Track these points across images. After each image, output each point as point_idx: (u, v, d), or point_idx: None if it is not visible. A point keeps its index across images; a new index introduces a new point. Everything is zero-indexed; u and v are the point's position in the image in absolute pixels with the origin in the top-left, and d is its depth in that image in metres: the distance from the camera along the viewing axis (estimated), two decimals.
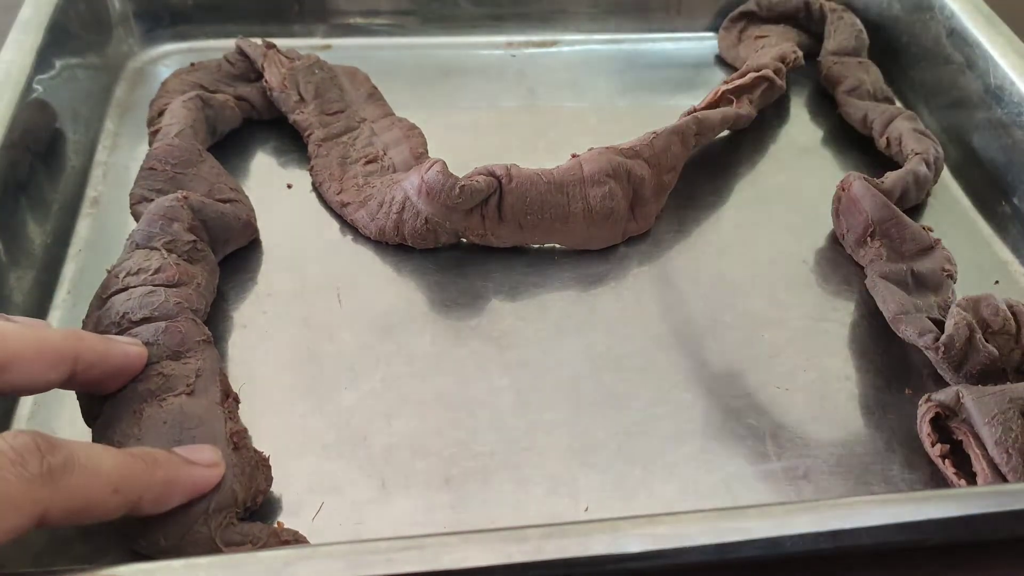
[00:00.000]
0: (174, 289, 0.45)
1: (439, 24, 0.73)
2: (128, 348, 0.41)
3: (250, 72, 0.63)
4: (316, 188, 0.58)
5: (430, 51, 0.72)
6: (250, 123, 0.63)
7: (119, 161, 0.60)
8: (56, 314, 0.50)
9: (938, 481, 0.45)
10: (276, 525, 0.41)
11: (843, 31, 0.69)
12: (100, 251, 0.54)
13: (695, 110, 0.60)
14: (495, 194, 0.53)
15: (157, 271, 0.45)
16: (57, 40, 0.59)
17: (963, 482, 0.43)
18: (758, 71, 0.63)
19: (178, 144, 0.53)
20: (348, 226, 0.56)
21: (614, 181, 0.54)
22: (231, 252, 0.54)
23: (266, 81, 0.61)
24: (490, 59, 0.72)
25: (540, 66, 0.72)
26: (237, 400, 0.44)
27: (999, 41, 0.61)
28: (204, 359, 0.43)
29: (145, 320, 0.43)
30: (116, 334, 0.42)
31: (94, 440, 0.41)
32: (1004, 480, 0.42)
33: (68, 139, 0.58)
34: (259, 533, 0.39)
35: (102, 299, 0.44)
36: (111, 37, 0.66)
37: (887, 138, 0.61)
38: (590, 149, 0.55)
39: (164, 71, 0.66)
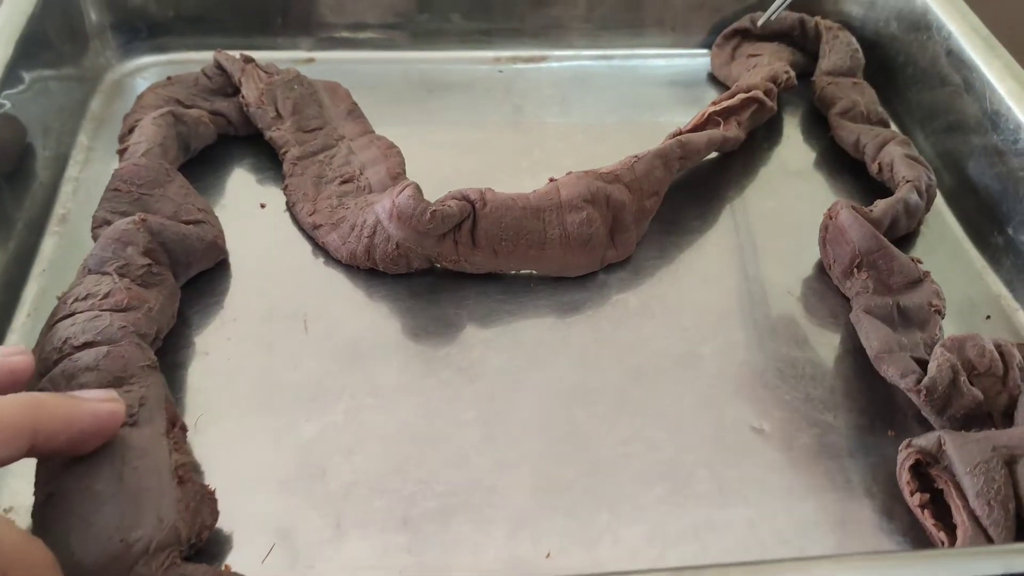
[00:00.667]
0: (121, 313, 0.43)
1: (427, 38, 0.72)
2: (98, 408, 0.37)
3: (228, 86, 0.62)
4: (290, 208, 0.57)
5: (416, 65, 0.71)
6: (227, 139, 0.61)
7: (91, 177, 0.58)
8: (13, 337, 0.49)
9: (918, 531, 0.43)
10: (223, 567, 0.40)
11: (838, 50, 0.67)
12: (65, 272, 0.52)
13: (680, 132, 0.59)
14: (469, 219, 0.51)
15: (106, 296, 0.44)
16: (28, 53, 0.57)
17: (943, 535, 0.41)
18: (747, 92, 0.61)
19: (144, 164, 0.51)
20: (321, 248, 0.55)
21: (592, 207, 0.52)
22: (198, 274, 0.52)
23: (243, 96, 0.60)
24: (476, 74, 0.70)
25: (527, 82, 0.70)
26: (184, 429, 0.43)
27: (996, 65, 0.59)
28: (148, 386, 0.41)
29: (87, 345, 0.41)
30: (57, 360, 0.41)
31: (37, 471, 0.39)
32: (985, 534, 0.40)
33: (37, 154, 0.57)
34: (204, 575, 0.38)
35: (49, 326, 0.43)
36: (87, 49, 0.65)
37: (879, 163, 0.59)
38: (568, 173, 0.54)
39: (143, 84, 0.65)
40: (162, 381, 0.43)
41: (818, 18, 0.70)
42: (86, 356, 0.41)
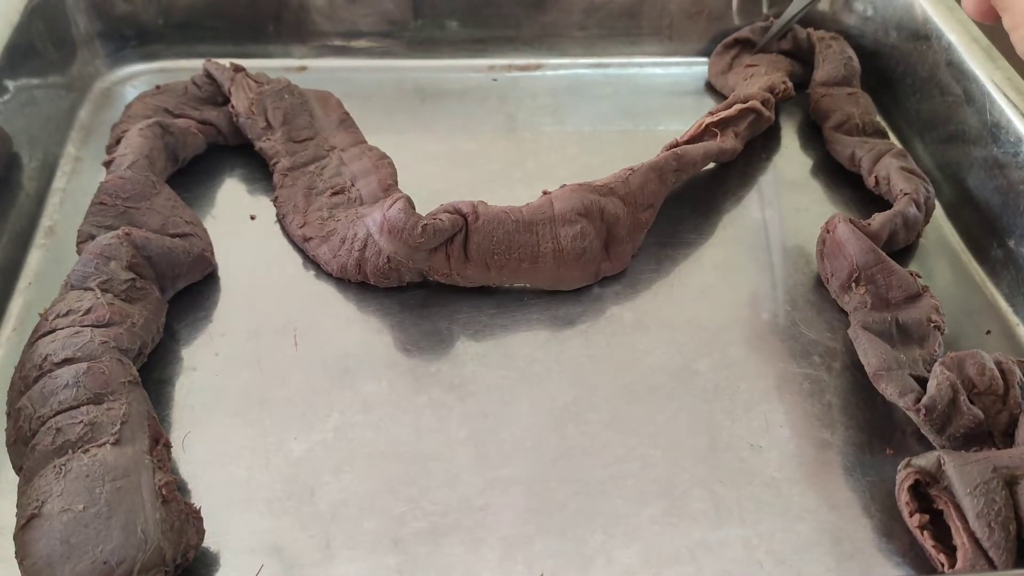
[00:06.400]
0: (102, 329, 0.42)
1: (422, 46, 0.71)
2: None
3: (217, 96, 0.61)
4: (280, 220, 0.56)
5: (410, 74, 0.70)
6: (217, 149, 0.61)
7: (78, 188, 0.58)
8: None
9: (917, 551, 0.42)
10: None
11: (831, 60, 0.66)
12: (51, 285, 0.50)
13: (676, 144, 0.58)
14: (461, 232, 0.50)
15: (87, 312, 0.43)
16: (14, 62, 0.57)
17: (943, 556, 0.40)
18: (744, 103, 0.60)
19: (130, 176, 0.50)
20: (311, 261, 0.54)
21: (586, 220, 0.52)
22: (187, 287, 0.51)
23: (232, 106, 0.59)
24: (471, 83, 0.69)
25: (522, 91, 0.69)
26: (168, 446, 0.42)
27: (997, 76, 0.58)
28: (130, 402, 0.41)
29: (67, 361, 0.41)
30: (37, 378, 0.41)
31: (19, 492, 0.39)
32: (986, 556, 0.39)
33: (23, 164, 0.56)
34: None
35: (31, 343, 0.42)
36: (75, 57, 0.64)
37: (875, 177, 0.58)
38: (562, 186, 0.53)
39: (132, 92, 0.64)
40: (145, 397, 0.42)
41: (810, 30, 0.69)
42: (65, 373, 0.40)
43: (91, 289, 0.44)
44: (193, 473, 0.44)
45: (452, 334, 0.51)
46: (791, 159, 0.64)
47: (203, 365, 0.48)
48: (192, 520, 0.40)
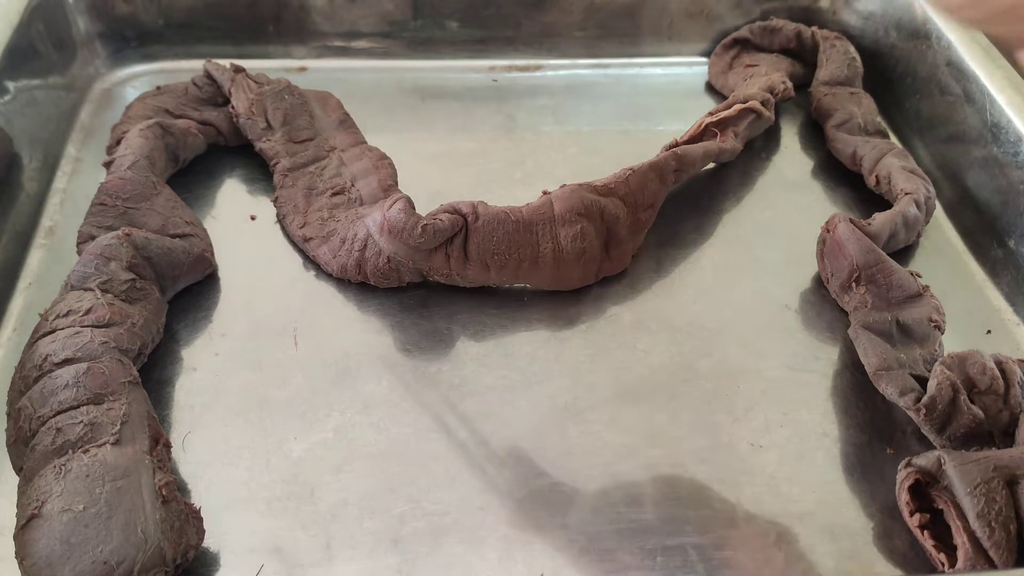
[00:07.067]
0: (102, 329, 0.43)
1: (422, 47, 0.71)
2: None
3: (218, 96, 0.61)
4: (280, 220, 0.56)
5: (410, 74, 0.70)
6: (217, 149, 0.61)
7: (79, 188, 0.58)
8: None
9: (917, 551, 0.42)
10: None
11: (835, 59, 0.66)
12: (52, 286, 0.51)
13: (676, 144, 0.58)
14: (461, 233, 0.50)
15: (88, 312, 0.43)
16: (14, 62, 0.57)
17: (943, 556, 0.40)
18: (744, 103, 0.60)
19: (130, 177, 0.51)
20: (312, 261, 0.54)
21: (586, 220, 0.52)
22: (187, 287, 0.51)
23: (232, 107, 0.59)
24: (471, 83, 0.69)
25: (522, 91, 0.69)
26: (168, 446, 0.42)
27: (997, 75, 0.58)
28: (130, 402, 0.41)
29: (67, 362, 0.41)
30: (37, 378, 0.41)
31: (19, 492, 0.39)
32: (986, 555, 0.39)
33: (24, 165, 0.56)
34: None
35: (31, 343, 0.42)
36: (76, 58, 0.64)
37: (876, 176, 0.58)
38: (562, 186, 0.53)
39: (133, 93, 0.64)
40: (145, 398, 0.42)
41: (815, 28, 0.69)
42: (65, 373, 0.40)
43: (91, 289, 0.44)
44: (193, 473, 0.44)
45: (452, 334, 0.51)
46: (791, 159, 0.64)
47: (203, 365, 0.48)
48: (192, 520, 0.40)
